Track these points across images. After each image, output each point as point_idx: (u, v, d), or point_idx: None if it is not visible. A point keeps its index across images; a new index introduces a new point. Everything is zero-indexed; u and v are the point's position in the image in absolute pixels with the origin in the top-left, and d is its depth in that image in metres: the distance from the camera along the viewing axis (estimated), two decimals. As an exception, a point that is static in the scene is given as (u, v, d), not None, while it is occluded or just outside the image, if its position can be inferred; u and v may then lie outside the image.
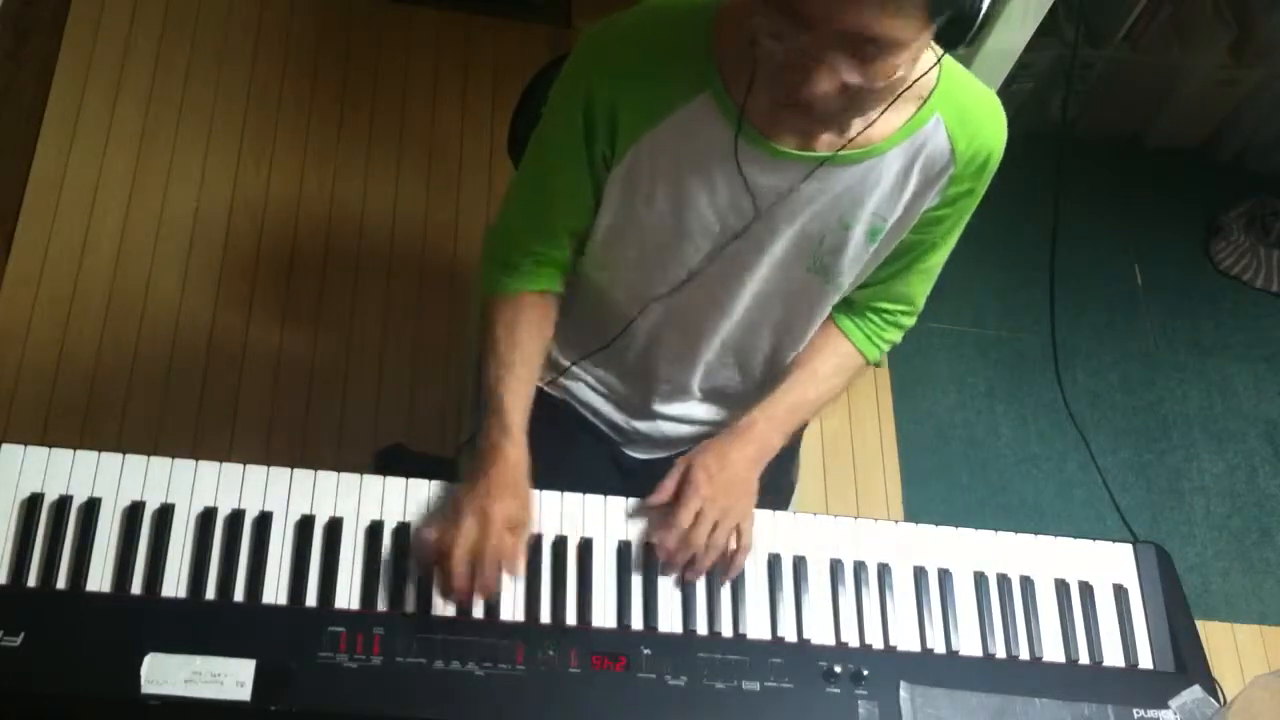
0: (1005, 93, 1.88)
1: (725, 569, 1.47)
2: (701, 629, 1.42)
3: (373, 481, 1.45)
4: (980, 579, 1.51)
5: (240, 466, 1.43)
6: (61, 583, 1.34)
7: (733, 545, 1.47)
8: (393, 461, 2.34)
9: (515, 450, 1.46)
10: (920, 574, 1.50)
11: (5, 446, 1.40)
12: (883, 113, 1.32)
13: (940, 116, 1.39)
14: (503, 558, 1.39)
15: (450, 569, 1.37)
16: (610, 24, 1.40)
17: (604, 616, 1.41)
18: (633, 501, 1.50)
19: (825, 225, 1.45)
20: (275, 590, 1.36)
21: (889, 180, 1.42)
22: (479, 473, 1.44)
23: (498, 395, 1.49)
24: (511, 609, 1.40)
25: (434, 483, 1.46)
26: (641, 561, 1.45)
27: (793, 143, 1.38)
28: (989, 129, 1.43)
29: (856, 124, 1.35)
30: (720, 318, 1.57)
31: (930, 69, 1.29)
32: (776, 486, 1.80)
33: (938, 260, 1.57)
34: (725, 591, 1.45)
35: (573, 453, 1.71)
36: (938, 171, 1.43)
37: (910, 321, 1.65)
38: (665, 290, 1.53)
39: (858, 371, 1.66)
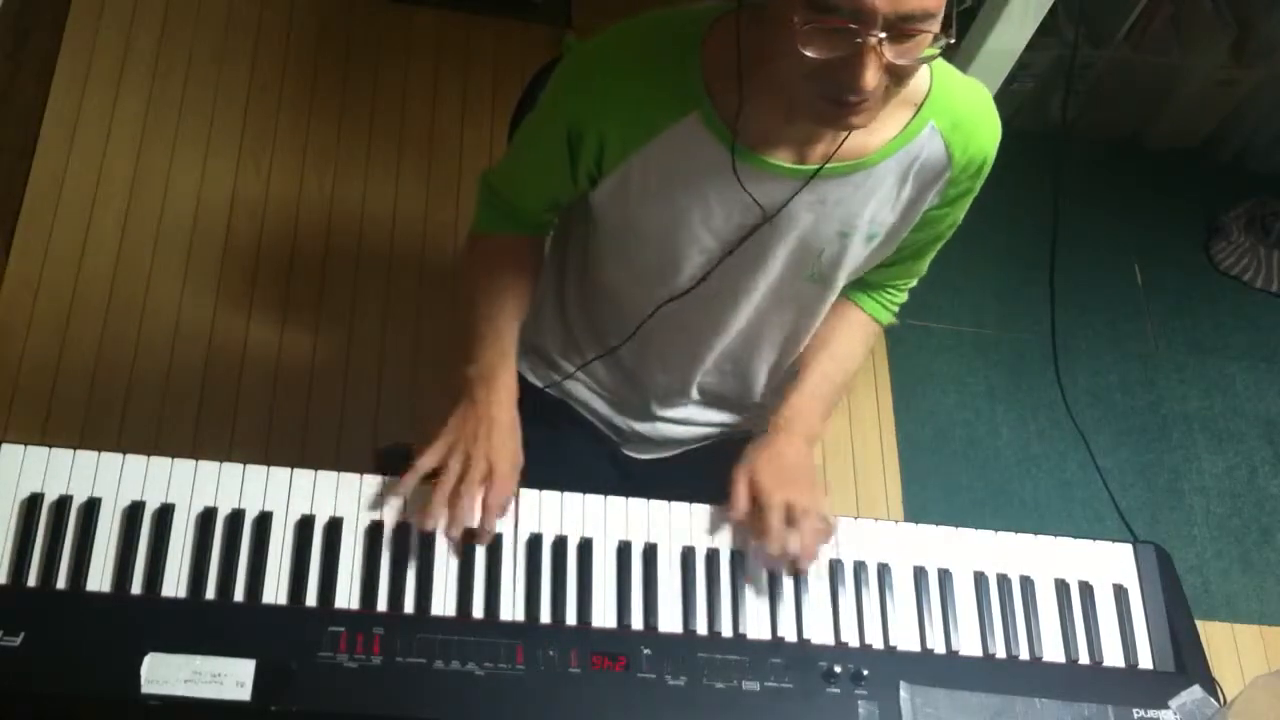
0: (1005, 92, 1.88)
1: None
2: (701, 629, 1.42)
3: (373, 481, 1.45)
4: (980, 579, 1.51)
5: (240, 466, 1.43)
6: (61, 583, 1.34)
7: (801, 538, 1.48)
8: (393, 461, 2.34)
9: (509, 376, 1.52)
10: (920, 574, 1.50)
11: (5, 446, 1.40)
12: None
13: (934, 124, 1.39)
14: (501, 511, 1.43)
15: (452, 515, 1.42)
16: (597, 45, 1.40)
17: (604, 616, 1.41)
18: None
19: (823, 237, 1.45)
20: (275, 590, 1.36)
21: (885, 189, 1.42)
22: (475, 402, 1.48)
23: (494, 324, 1.53)
24: (511, 609, 1.40)
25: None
26: (641, 561, 1.45)
27: (787, 157, 1.37)
28: (983, 134, 1.43)
29: (856, 132, 1.35)
30: (719, 332, 1.57)
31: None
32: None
33: (943, 242, 1.58)
34: (725, 591, 1.45)
35: (572, 453, 1.71)
36: (934, 177, 1.43)
37: (915, 283, 1.66)
38: (663, 302, 1.53)
39: (874, 337, 1.67)
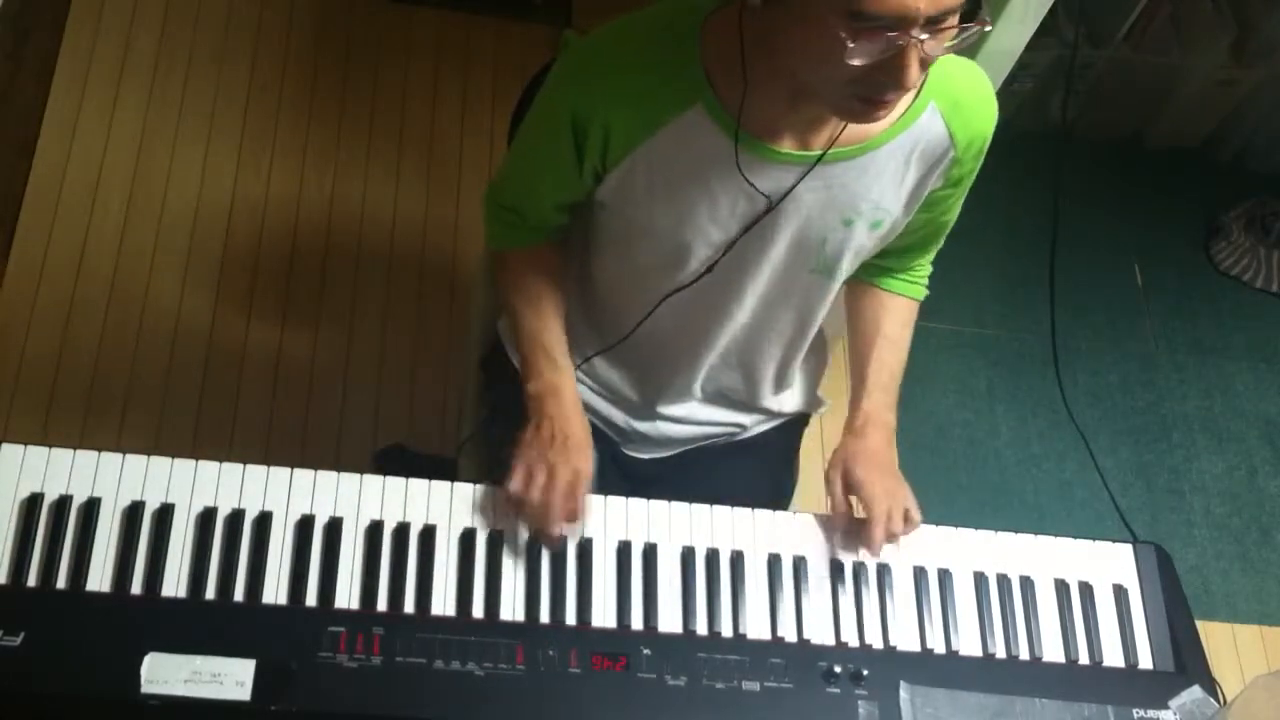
0: (1005, 93, 1.88)
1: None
2: (701, 629, 1.42)
3: (373, 481, 1.45)
4: (980, 579, 1.51)
5: (240, 466, 1.43)
6: (61, 583, 1.34)
7: (902, 525, 1.52)
8: (393, 461, 2.34)
9: (567, 383, 1.53)
10: (920, 574, 1.50)
11: (5, 446, 1.39)
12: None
13: (935, 106, 1.40)
14: (568, 520, 1.44)
15: (545, 526, 1.44)
16: (596, 40, 1.40)
17: (604, 616, 1.41)
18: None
19: (827, 225, 1.45)
20: (275, 590, 1.36)
21: (889, 172, 1.42)
22: (546, 415, 1.50)
23: (541, 339, 1.55)
24: (511, 609, 1.40)
25: (434, 482, 1.46)
26: (641, 561, 1.45)
27: (791, 144, 1.38)
28: (982, 114, 1.45)
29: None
30: (723, 321, 1.57)
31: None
32: (777, 487, 1.80)
33: (953, 218, 1.59)
34: (725, 591, 1.45)
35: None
36: (938, 159, 1.44)
37: (934, 254, 1.67)
38: (669, 293, 1.53)
39: (915, 314, 1.69)
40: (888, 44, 1.17)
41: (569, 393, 1.53)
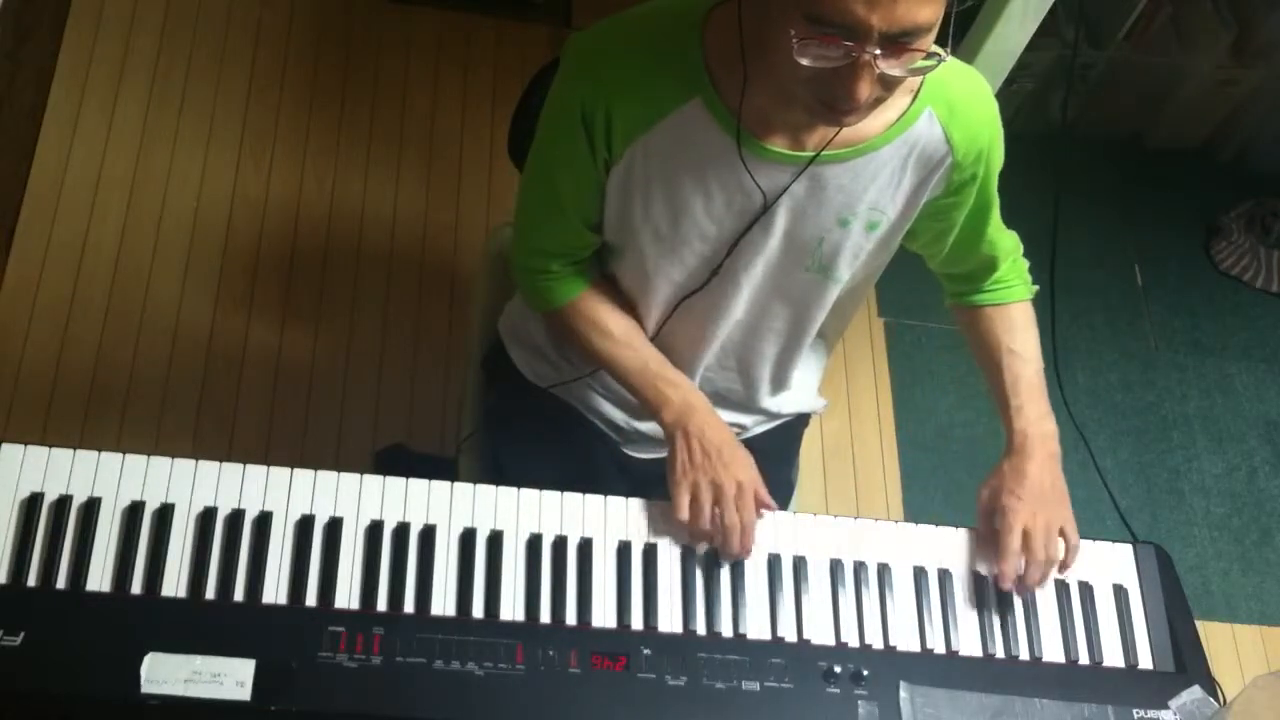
0: (1005, 93, 1.88)
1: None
2: (701, 629, 1.42)
3: (373, 481, 1.45)
4: (980, 579, 1.51)
5: (240, 466, 1.43)
6: (61, 583, 1.34)
7: (1061, 550, 1.51)
8: (393, 461, 2.34)
9: (695, 396, 1.54)
10: (920, 574, 1.50)
11: (5, 446, 1.39)
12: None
13: (932, 110, 1.40)
14: (747, 530, 1.46)
15: (724, 539, 1.45)
16: (597, 33, 1.41)
17: (604, 616, 1.41)
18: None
19: (823, 225, 1.45)
20: (275, 590, 1.36)
21: (885, 175, 1.42)
22: (691, 435, 1.49)
23: (649, 368, 1.55)
24: (511, 609, 1.40)
25: (434, 482, 1.46)
26: (641, 561, 1.45)
27: (787, 143, 1.38)
28: (981, 119, 1.44)
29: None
30: (719, 320, 1.57)
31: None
32: (777, 487, 1.80)
33: (994, 218, 1.57)
34: (725, 591, 1.45)
35: (574, 453, 1.71)
36: (935, 163, 1.44)
37: (1014, 249, 1.64)
38: (669, 294, 1.53)
39: (1031, 313, 1.67)
40: (843, 53, 1.18)
41: (701, 405, 1.53)
